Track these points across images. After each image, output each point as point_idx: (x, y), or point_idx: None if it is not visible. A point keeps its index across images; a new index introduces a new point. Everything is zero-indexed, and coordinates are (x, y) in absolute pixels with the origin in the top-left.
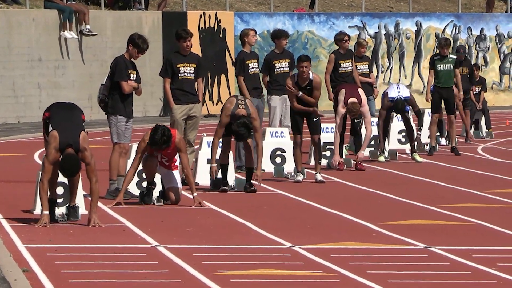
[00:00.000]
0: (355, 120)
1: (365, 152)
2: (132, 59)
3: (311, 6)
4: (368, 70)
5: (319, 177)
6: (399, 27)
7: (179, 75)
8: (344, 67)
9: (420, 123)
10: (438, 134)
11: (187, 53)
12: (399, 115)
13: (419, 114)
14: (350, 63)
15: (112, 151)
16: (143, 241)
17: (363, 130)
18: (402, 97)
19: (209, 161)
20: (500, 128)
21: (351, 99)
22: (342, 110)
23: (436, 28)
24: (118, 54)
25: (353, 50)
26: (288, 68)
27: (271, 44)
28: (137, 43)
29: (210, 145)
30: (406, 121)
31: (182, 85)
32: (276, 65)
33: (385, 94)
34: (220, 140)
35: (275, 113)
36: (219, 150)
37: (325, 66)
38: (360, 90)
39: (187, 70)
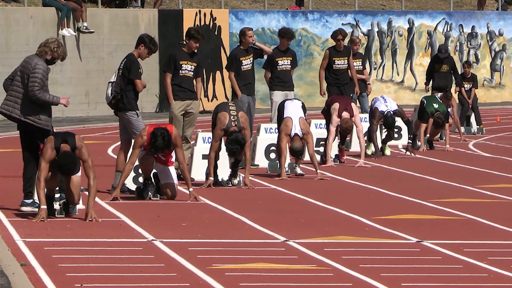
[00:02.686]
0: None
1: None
2: (139, 58)
3: (300, 4)
4: (361, 67)
5: (299, 170)
6: (391, 24)
7: (180, 71)
8: (338, 64)
9: (410, 132)
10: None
11: (191, 51)
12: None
13: (409, 124)
14: (345, 60)
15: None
16: (140, 236)
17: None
18: (391, 112)
19: (204, 157)
20: (491, 124)
21: (344, 113)
22: (337, 119)
23: (428, 26)
24: (115, 51)
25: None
26: (290, 66)
27: (266, 41)
28: (149, 46)
29: (207, 159)
30: (389, 137)
31: (182, 81)
32: (279, 62)
33: (375, 109)
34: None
35: (277, 108)
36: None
37: (320, 63)
38: (353, 104)
39: (188, 68)
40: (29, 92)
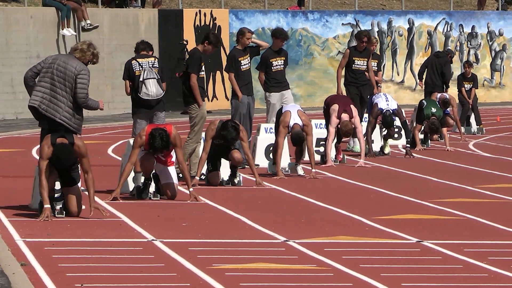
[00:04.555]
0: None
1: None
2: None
3: (301, 4)
4: (376, 68)
5: (300, 170)
6: (391, 24)
7: (200, 73)
8: (357, 64)
9: (407, 136)
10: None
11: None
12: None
13: (405, 126)
14: (365, 61)
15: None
16: (140, 235)
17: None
18: (390, 110)
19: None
20: (491, 124)
21: (344, 115)
22: (336, 120)
23: (428, 26)
24: (115, 51)
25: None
26: (283, 66)
27: (265, 41)
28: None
29: (199, 160)
30: (389, 135)
31: (202, 82)
32: (273, 63)
33: (374, 104)
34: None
35: (273, 110)
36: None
37: (320, 63)
38: (352, 106)
39: (203, 69)
40: (79, 99)
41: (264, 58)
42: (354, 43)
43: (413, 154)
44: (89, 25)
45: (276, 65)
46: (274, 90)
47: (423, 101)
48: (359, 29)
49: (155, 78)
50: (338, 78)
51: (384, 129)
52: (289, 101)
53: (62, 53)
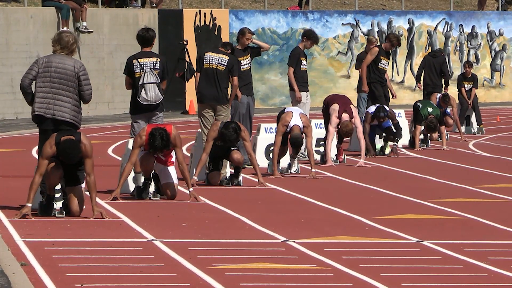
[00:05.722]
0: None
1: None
2: None
3: (300, 4)
4: None
5: (294, 167)
6: (391, 24)
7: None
8: (383, 64)
9: (398, 136)
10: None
11: None
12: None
13: (398, 127)
14: (388, 62)
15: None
16: (140, 235)
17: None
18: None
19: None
20: (491, 124)
21: (344, 115)
22: (336, 120)
23: (428, 26)
24: (115, 51)
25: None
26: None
27: (266, 41)
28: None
29: (198, 159)
30: (390, 137)
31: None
32: (302, 61)
33: (366, 112)
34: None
35: (304, 107)
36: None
37: (320, 63)
38: (352, 106)
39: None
40: (88, 96)
41: (297, 54)
42: (354, 43)
43: (398, 153)
44: (84, 27)
45: (304, 64)
46: (301, 90)
47: (418, 103)
48: (359, 29)
49: (155, 82)
50: (363, 75)
51: (384, 134)
52: (309, 101)
53: (50, 54)
